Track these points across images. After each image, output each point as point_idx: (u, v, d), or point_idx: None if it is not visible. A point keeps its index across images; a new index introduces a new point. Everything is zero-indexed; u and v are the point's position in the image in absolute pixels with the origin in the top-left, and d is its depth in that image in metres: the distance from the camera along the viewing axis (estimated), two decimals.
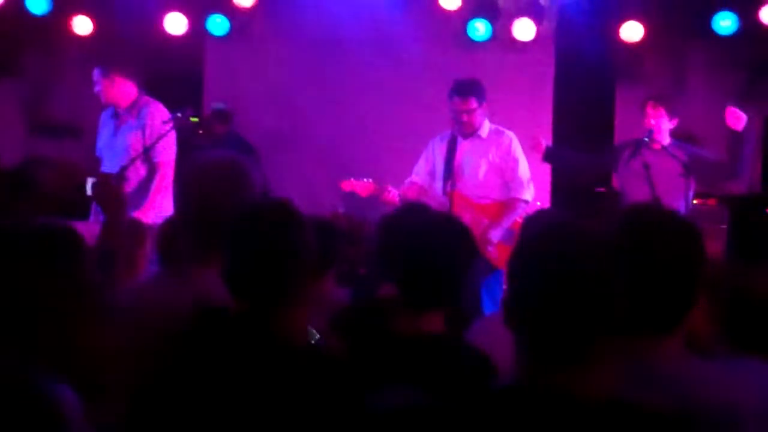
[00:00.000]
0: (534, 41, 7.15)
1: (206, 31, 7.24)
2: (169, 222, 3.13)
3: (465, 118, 5.56)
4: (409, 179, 5.77)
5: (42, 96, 7.59)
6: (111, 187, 2.81)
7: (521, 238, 1.80)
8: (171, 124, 5.17)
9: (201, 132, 6.25)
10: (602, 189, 6.58)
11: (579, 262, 1.66)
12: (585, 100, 7.30)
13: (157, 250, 2.99)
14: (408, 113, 7.22)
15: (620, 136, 6.97)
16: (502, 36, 7.19)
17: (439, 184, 5.66)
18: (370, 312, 2.47)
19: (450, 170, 5.57)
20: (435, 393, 1.93)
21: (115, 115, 5.58)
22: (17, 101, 7.56)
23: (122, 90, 5.49)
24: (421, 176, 5.79)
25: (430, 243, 2.37)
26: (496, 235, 5.49)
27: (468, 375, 2.23)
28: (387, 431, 1.74)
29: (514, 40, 7.17)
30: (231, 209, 2.28)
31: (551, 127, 7.34)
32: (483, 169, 5.59)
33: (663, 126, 5.63)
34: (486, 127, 5.65)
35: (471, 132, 5.60)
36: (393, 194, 5.64)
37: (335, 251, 2.90)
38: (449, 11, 7.15)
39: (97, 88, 5.51)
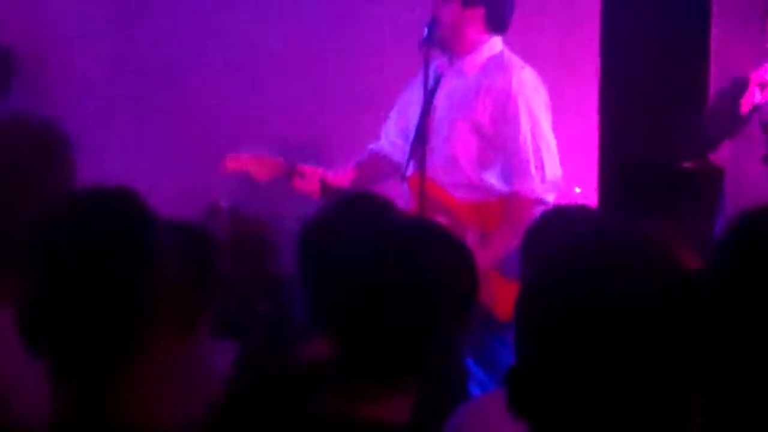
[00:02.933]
0: None
1: None
2: None
3: (444, 21, 5.55)
4: (369, 148, 5.89)
5: None
6: None
7: (532, 255, 1.92)
8: None
9: None
10: (691, 164, 6.56)
11: (637, 306, 1.73)
12: (659, 5, 7.44)
13: None
14: (360, 50, 7.26)
15: (720, 72, 7.10)
16: None
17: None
18: (284, 386, 2.67)
19: (421, 134, 5.57)
20: None
21: None
22: None
23: None
24: (390, 142, 5.87)
25: (393, 271, 2.46)
26: (490, 259, 5.38)
27: None
28: None
29: None
30: (30, 207, 2.54)
31: (599, 70, 7.44)
32: (463, 133, 5.60)
33: None
34: (483, 54, 5.67)
35: (443, 44, 5.59)
36: (312, 180, 5.74)
37: (213, 279, 3.02)
38: None
39: None
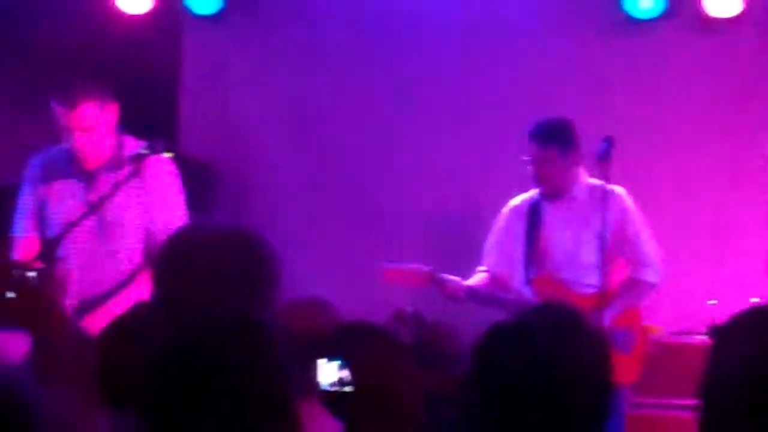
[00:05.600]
0: (739, 19, 7.56)
1: (184, 7, 7.76)
2: (121, 325, 3.33)
3: (540, 169, 6.48)
4: (479, 269, 6.72)
5: None
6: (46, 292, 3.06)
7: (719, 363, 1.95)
8: None
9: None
10: None
11: None
12: None
13: (100, 370, 3.21)
14: (517, 141, 7.18)
15: None
16: (683, 11, 7.66)
17: (519, 271, 6.63)
18: None
19: (533, 248, 6.57)
20: None
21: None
22: None
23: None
24: (492, 262, 6.74)
25: (572, 383, 2.56)
26: (607, 319, 6.34)
27: None
28: None
29: (704, 18, 7.61)
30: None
31: None
32: (584, 243, 6.49)
33: None
34: (582, 184, 6.60)
35: (555, 191, 6.54)
36: (456, 287, 6.48)
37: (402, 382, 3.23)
38: None
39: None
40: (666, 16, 7.63)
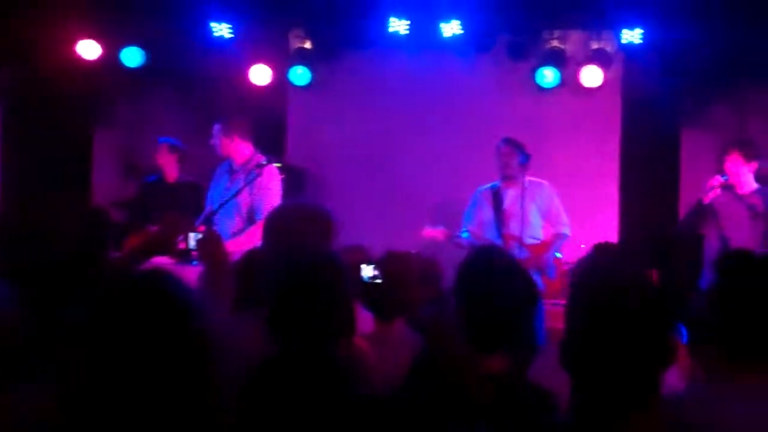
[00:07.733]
0: (601, 87, 7.33)
1: (289, 81, 7.54)
2: (248, 258, 3.15)
3: (505, 161, 6.27)
4: (467, 226, 6.44)
5: (134, 144, 8.00)
6: (214, 243, 2.97)
7: (580, 280, 1.80)
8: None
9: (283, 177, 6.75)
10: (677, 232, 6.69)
11: (635, 310, 1.69)
12: (652, 144, 7.38)
13: (237, 287, 3.02)
14: (481, 158, 7.28)
15: (687, 181, 7.20)
16: (570, 82, 7.39)
17: (490, 229, 6.35)
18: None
19: (499, 216, 6.32)
20: (502, 430, 1.96)
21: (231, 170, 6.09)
22: (113, 149, 8.09)
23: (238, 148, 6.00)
24: (472, 226, 6.47)
25: (505, 286, 2.43)
26: (546, 259, 6.26)
27: (532, 410, 2.28)
28: None
29: (581, 87, 7.36)
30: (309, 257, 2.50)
31: (618, 171, 7.53)
32: (531, 213, 6.30)
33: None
34: (527, 177, 6.34)
35: (511, 176, 6.25)
36: (463, 240, 6.30)
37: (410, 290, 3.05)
38: (518, 60, 7.47)
39: (214, 142, 5.95)
40: (561, 85, 7.32)
